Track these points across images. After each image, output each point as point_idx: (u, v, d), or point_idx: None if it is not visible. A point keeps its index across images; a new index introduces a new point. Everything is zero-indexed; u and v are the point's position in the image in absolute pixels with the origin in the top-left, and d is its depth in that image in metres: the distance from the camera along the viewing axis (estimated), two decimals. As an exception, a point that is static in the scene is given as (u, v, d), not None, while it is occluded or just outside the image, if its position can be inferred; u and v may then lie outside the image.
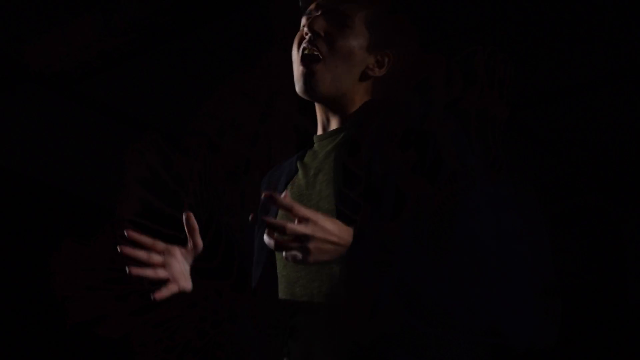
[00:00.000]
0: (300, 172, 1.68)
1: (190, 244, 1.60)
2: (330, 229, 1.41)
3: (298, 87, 1.66)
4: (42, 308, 4.13)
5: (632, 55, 3.63)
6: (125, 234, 1.54)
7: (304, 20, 1.69)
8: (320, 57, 1.63)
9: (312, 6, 1.70)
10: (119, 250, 1.54)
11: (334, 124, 1.69)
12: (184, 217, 1.58)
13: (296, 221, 1.40)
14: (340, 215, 1.51)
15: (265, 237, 1.40)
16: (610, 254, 4.82)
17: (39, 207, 4.68)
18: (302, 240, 1.39)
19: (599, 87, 3.87)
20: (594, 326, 4.71)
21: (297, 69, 1.66)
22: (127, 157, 1.71)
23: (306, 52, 1.64)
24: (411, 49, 1.66)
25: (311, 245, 1.39)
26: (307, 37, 1.65)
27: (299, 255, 1.40)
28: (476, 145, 1.48)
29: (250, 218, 1.50)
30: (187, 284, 1.59)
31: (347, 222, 1.46)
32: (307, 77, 1.63)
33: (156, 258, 1.56)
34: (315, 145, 1.70)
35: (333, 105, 1.67)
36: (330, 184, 1.58)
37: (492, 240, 1.44)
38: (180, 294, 1.59)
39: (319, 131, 1.72)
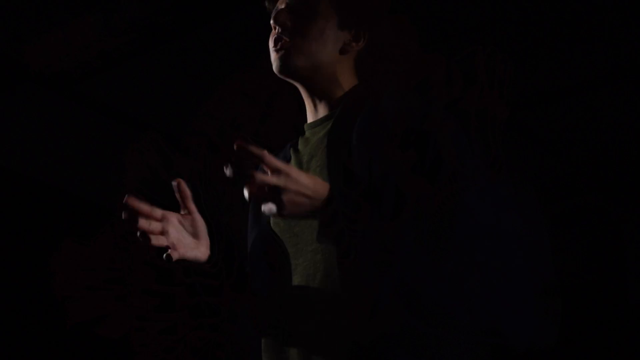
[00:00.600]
0: (293, 159, 1.69)
1: (184, 211, 1.60)
2: (304, 182, 1.40)
3: (275, 67, 1.67)
4: (42, 308, 4.14)
5: (632, 55, 3.63)
6: (126, 201, 1.52)
7: (272, 16, 1.71)
8: (291, 43, 1.65)
9: (277, 4, 1.72)
10: (123, 218, 1.52)
11: (322, 110, 1.70)
12: (174, 184, 1.58)
13: (269, 172, 1.38)
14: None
15: (245, 191, 1.38)
16: (610, 254, 4.82)
17: (39, 207, 4.68)
18: (275, 192, 1.38)
19: (599, 87, 3.87)
20: (594, 326, 4.71)
21: (272, 56, 1.68)
22: (127, 157, 1.71)
23: (278, 44, 1.66)
24: (385, 20, 1.68)
25: (284, 197, 1.38)
26: (275, 30, 1.67)
27: (273, 207, 1.39)
28: (476, 145, 1.48)
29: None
30: (185, 251, 1.57)
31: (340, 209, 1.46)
32: (283, 56, 1.65)
33: (155, 225, 1.55)
34: (307, 132, 1.71)
35: (316, 85, 1.68)
36: (324, 170, 1.59)
37: (492, 240, 1.44)
38: (180, 261, 1.57)
39: (309, 119, 1.72)
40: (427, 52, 1.61)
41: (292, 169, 1.40)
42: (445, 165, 1.47)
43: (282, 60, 1.65)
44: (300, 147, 1.71)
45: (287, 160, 1.70)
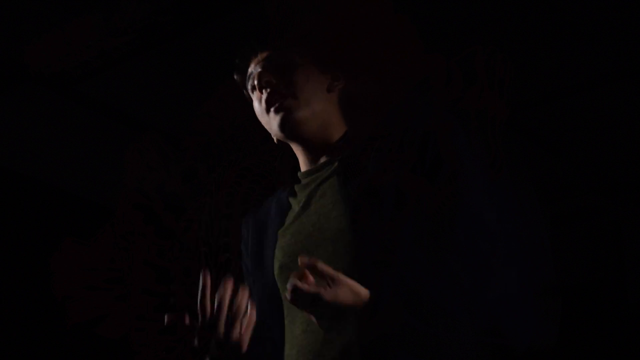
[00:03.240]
0: (294, 206, 1.67)
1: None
2: (346, 296, 1.40)
3: (278, 130, 1.65)
4: (42, 308, 4.14)
5: (632, 55, 3.63)
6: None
7: (250, 82, 1.69)
8: (287, 100, 1.64)
9: (250, 67, 1.71)
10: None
11: (321, 157, 1.68)
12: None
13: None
14: (352, 233, 1.51)
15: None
16: (610, 254, 4.82)
17: (39, 207, 4.68)
18: (317, 301, 1.38)
19: (599, 87, 3.87)
20: (593, 326, 4.71)
21: (271, 117, 1.65)
22: (127, 157, 1.71)
23: (275, 105, 1.64)
24: (364, 53, 1.66)
25: (325, 310, 1.39)
26: (263, 95, 1.65)
27: (313, 317, 1.40)
28: (476, 145, 1.48)
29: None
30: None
31: (359, 240, 1.46)
32: (284, 117, 1.63)
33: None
34: (304, 180, 1.69)
35: (316, 136, 1.67)
36: (338, 205, 1.58)
37: (491, 240, 1.44)
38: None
39: (305, 167, 1.71)
40: (427, 52, 1.61)
41: (342, 279, 1.40)
42: (445, 165, 1.47)
43: (286, 119, 1.63)
44: (299, 193, 1.69)
45: (286, 208, 1.69)
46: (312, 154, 1.69)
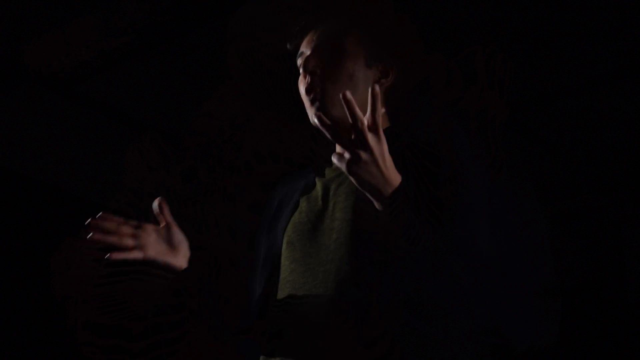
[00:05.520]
0: (318, 186, 1.68)
1: (162, 223, 1.65)
2: (389, 161, 1.42)
3: (312, 121, 1.64)
4: (42, 308, 4.13)
5: (632, 55, 3.63)
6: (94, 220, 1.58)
7: (298, 61, 1.69)
8: (324, 93, 1.63)
9: (302, 45, 1.70)
10: (88, 237, 1.57)
11: None
12: (154, 203, 1.63)
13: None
14: (355, 225, 1.51)
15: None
16: (610, 254, 4.81)
17: (39, 207, 4.68)
18: (363, 148, 1.41)
19: (599, 87, 3.87)
20: (593, 326, 4.71)
21: (306, 104, 1.66)
22: (127, 157, 1.71)
23: (311, 95, 1.64)
24: (412, 49, 1.66)
25: (365, 157, 1.41)
26: (306, 80, 1.65)
27: (348, 160, 1.41)
28: (476, 145, 1.48)
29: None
30: (155, 254, 1.63)
31: (362, 233, 1.46)
32: (319, 109, 1.63)
33: (127, 240, 1.61)
34: (334, 165, 1.69)
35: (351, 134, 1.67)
36: (350, 196, 1.58)
37: (491, 240, 1.44)
38: (147, 263, 1.62)
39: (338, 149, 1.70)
40: (427, 52, 1.61)
41: (385, 144, 1.42)
42: (445, 165, 1.47)
43: (321, 117, 1.61)
44: (327, 175, 1.69)
45: (311, 186, 1.69)
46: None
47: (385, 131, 1.58)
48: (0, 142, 4.35)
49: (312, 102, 1.64)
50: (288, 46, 1.73)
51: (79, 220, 1.64)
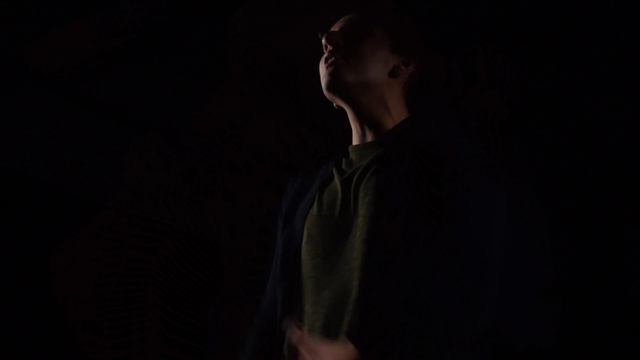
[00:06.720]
0: (336, 178, 1.67)
1: None
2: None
3: (325, 83, 1.66)
4: (42, 308, 4.14)
5: (632, 55, 3.63)
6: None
7: (323, 40, 1.70)
8: (342, 60, 1.64)
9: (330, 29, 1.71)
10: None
11: (370, 135, 1.68)
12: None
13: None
14: (376, 223, 1.51)
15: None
16: (610, 254, 4.81)
17: (39, 207, 4.68)
18: None
19: (599, 87, 3.87)
20: (593, 326, 4.71)
21: (322, 73, 1.67)
22: (127, 157, 1.71)
23: (328, 61, 1.65)
24: (417, 48, 1.68)
25: None
26: (327, 50, 1.67)
27: None
28: (476, 145, 1.48)
29: None
30: None
31: (386, 227, 1.46)
32: (333, 72, 1.64)
33: None
34: (352, 154, 1.69)
35: (364, 106, 1.66)
36: (370, 192, 1.58)
37: (491, 240, 1.44)
38: None
39: (355, 141, 1.70)
40: (427, 52, 1.61)
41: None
42: (445, 165, 1.47)
43: (332, 76, 1.64)
44: (344, 167, 1.69)
45: (329, 179, 1.69)
46: (362, 128, 1.69)
47: (396, 126, 1.60)
48: (0, 142, 4.35)
49: (327, 67, 1.65)
50: (319, 35, 1.74)
51: (79, 220, 1.63)
